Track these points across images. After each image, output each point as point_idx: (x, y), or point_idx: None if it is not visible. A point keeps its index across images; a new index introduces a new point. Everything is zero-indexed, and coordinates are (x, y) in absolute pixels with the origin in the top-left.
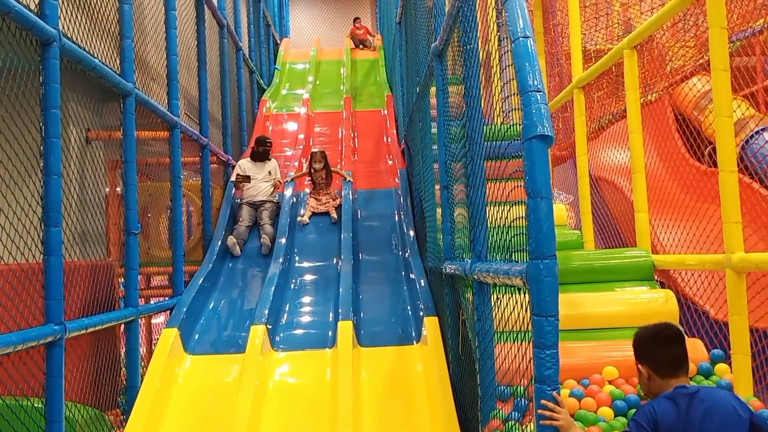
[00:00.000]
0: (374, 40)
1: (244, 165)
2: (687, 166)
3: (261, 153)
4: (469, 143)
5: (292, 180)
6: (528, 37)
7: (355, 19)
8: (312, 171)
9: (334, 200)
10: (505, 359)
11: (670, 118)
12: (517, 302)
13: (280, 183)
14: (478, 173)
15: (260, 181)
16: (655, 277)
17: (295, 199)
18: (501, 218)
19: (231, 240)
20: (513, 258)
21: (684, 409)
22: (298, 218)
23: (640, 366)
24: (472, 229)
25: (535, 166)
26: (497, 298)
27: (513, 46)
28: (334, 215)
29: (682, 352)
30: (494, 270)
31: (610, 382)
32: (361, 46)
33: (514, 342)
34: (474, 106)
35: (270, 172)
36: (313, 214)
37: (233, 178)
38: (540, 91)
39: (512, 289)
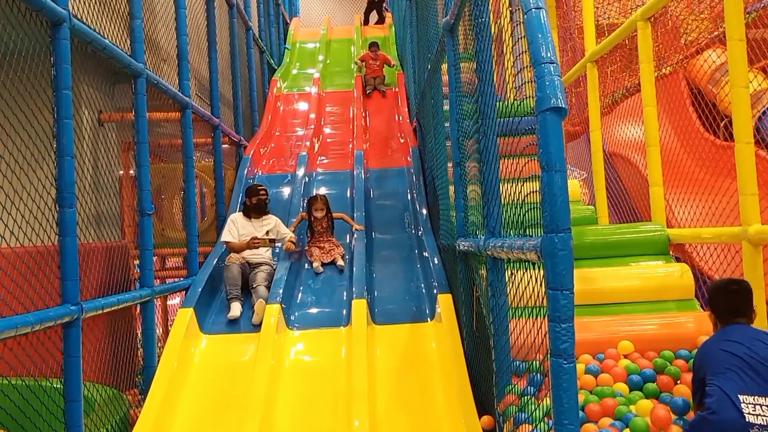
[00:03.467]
0: (395, 70)
1: (237, 222)
2: (702, 140)
3: (256, 206)
4: (481, 118)
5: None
6: (540, 8)
7: (371, 45)
8: (312, 219)
9: (338, 247)
10: (520, 334)
11: (685, 91)
12: (531, 277)
13: (293, 243)
14: (491, 148)
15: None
16: (671, 252)
17: None
18: (515, 194)
19: (232, 316)
20: (527, 233)
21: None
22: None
23: (708, 313)
24: (485, 205)
25: (549, 138)
26: (511, 274)
27: (525, 17)
28: (341, 262)
29: (742, 304)
30: (508, 245)
31: (625, 356)
32: (370, 89)
33: (528, 317)
34: (486, 81)
35: (268, 232)
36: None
37: (225, 237)
38: (553, 63)
39: (526, 264)
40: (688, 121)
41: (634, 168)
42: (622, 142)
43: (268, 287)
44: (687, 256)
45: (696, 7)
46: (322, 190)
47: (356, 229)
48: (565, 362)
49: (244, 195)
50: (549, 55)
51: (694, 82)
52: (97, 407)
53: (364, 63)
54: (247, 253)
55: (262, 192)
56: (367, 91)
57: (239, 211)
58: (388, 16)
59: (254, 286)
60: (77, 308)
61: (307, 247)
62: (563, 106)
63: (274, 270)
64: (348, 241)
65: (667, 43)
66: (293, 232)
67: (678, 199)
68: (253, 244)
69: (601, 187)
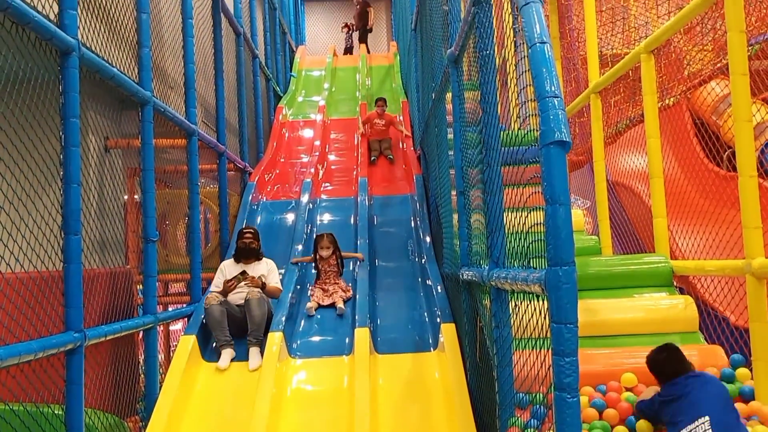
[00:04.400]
0: (401, 126)
1: (227, 269)
2: (706, 171)
3: (241, 251)
4: (485, 148)
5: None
6: (545, 42)
7: (378, 101)
8: (318, 258)
9: (345, 292)
10: (523, 366)
11: (689, 122)
12: (535, 309)
13: (278, 289)
14: (495, 179)
15: (251, 291)
16: (675, 284)
17: None
18: (519, 224)
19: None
20: (531, 264)
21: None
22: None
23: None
24: (489, 235)
25: (553, 171)
26: (515, 305)
27: (530, 51)
28: (341, 305)
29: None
30: (512, 277)
31: (627, 389)
32: (376, 155)
33: (532, 349)
34: (490, 112)
35: (261, 279)
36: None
37: (211, 288)
38: (557, 97)
39: (530, 295)
40: (692, 152)
41: (638, 197)
42: (625, 172)
43: (263, 320)
44: (691, 288)
45: (699, 40)
46: (326, 217)
47: (359, 260)
48: (569, 396)
49: (236, 238)
50: (553, 88)
51: (698, 113)
52: None
53: (367, 124)
54: (230, 297)
55: (248, 235)
56: (372, 158)
57: (231, 257)
58: (393, 45)
59: (250, 327)
60: (80, 335)
61: (310, 287)
62: (567, 139)
63: (266, 299)
64: (351, 268)
65: (671, 74)
66: (297, 263)
67: (681, 230)
68: (228, 287)
69: (604, 218)
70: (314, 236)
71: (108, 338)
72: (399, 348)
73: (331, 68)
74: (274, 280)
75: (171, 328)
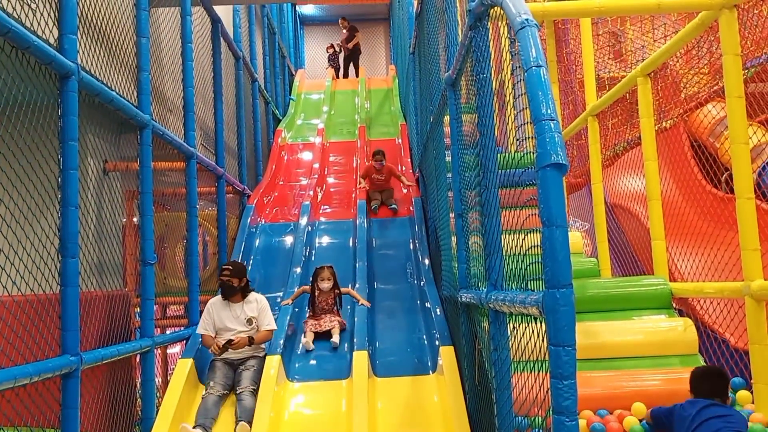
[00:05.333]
0: (404, 177)
1: (214, 308)
2: (704, 193)
3: (226, 289)
4: (483, 171)
5: (287, 305)
6: (541, 66)
7: (375, 154)
8: (316, 292)
9: (340, 322)
10: (522, 389)
11: (686, 144)
12: (533, 331)
13: (271, 332)
14: (492, 201)
15: (237, 333)
16: (674, 305)
17: None
18: (516, 246)
19: (185, 429)
20: (529, 287)
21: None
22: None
23: None
24: (487, 257)
25: (549, 194)
26: (513, 327)
27: (526, 75)
28: (336, 339)
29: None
30: (510, 299)
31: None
32: (377, 205)
33: (530, 372)
34: (488, 135)
35: (251, 320)
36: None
37: (198, 329)
38: (553, 120)
39: (528, 318)
40: (690, 174)
41: (636, 219)
42: (623, 194)
43: (256, 390)
44: (691, 310)
45: (696, 63)
46: (325, 240)
47: (362, 305)
48: (567, 420)
49: (219, 273)
50: (549, 111)
51: (695, 136)
52: None
53: (366, 179)
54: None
55: (225, 272)
56: (373, 207)
57: (219, 294)
58: (391, 68)
59: (239, 391)
60: (76, 359)
61: (305, 324)
62: (564, 162)
63: (264, 359)
64: (350, 308)
65: (668, 96)
66: (290, 304)
67: (680, 251)
68: (215, 351)
69: (603, 240)
70: (314, 268)
71: (105, 362)
72: (398, 371)
73: (330, 91)
74: (266, 321)
75: (169, 351)
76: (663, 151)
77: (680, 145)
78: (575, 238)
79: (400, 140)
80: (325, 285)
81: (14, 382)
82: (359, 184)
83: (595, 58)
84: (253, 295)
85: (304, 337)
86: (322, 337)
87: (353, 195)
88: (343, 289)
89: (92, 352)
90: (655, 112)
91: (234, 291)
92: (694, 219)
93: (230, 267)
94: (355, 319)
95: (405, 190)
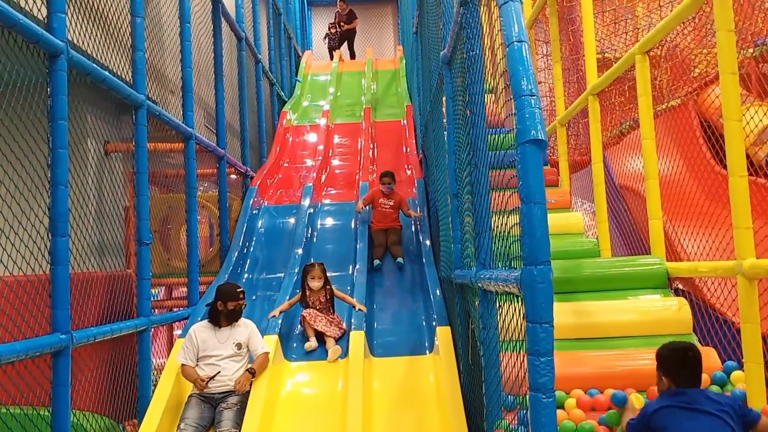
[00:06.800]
0: (413, 210)
1: (198, 334)
2: (713, 173)
3: (231, 314)
4: (472, 150)
5: (279, 315)
6: (522, 41)
7: (383, 176)
8: (307, 292)
9: (338, 326)
10: (512, 368)
11: (695, 123)
12: (516, 310)
13: (248, 380)
14: (482, 180)
15: (223, 358)
16: (679, 285)
17: None
18: (503, 225)
19: None
20: (513, 265)
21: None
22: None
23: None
24: (476, 236)
25: (528, 170)
26: (499, 306)
27: (507, 50)
28: (333, 356)
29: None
30: (494, 277)
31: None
32: (379, 262)
33: (512, 351)
34: (477, 113)
35: (240, 345)
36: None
37: (178, 357)
38: (533, 95)
39: (511, 296)
40: (699, 154)
41: (643, 201)
42: (632, 175)
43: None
44: (698, 291)
45: (704, 41)
46: (327, 221)
47: (359, 310)
48: (544, 397)
49: (215, 296)
50: (529, 87)
51: (705, 115)
52: None
53: (370, 204)
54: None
55: (242, 297)
56: (375, 263)
57: (204, 320)
58: (399, 49)
59: (218, 430)
60: (67, 337)
61: (301, 319)
62: (543, 138)
63: (248, 396)
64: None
65: (676, 75)
66: (279, 315)
67: (687, 233)
68: (200, 385)
69: (603, 220)
70: (303, 266)
71: (104, 340)
72: (395, 351)
73: (336, 73)
74: (259, 345)
75: (175, 332)
76: (672, 131)
77: (690, 124)
78: (576, 218)
79: (405, 122)
80: (316, 284)
81: (1, 359)
82: (359, 206)
83: (602, 36)
84: (242, 320)
85: (307, 337)
86: (321, 337)
87: (357, 177)
88: (337, 293)
89: (84, 331)
90: (661, 91)
91: (240, 314)
92: (701, 199)
93: (243, 289)
94: (354, 299)
95: (407, 149)
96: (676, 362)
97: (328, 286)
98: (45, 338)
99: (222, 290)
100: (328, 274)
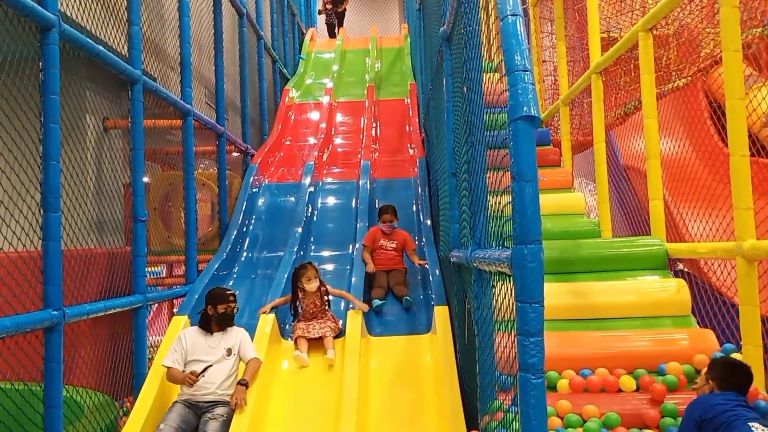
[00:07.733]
0: (418, 258)
1: (187, 338)
2: (720, 154)
3: (222, 318)
4: (469, 128)
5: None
6: (516, 15)
7: (383, 212)
8: (300, 295)
9: (333, 323)
10: (508, 349)
11: (703, 103)
12: (509, 290)
13: (245, 387)
14: (478, 159)
15: (212, 362)
16: (684, 268)
17: None
18: (498, 205)
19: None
20: (506, 245)
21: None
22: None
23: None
24: (472, 216)
25: (521, 148)
26: (493, 285)
27: (501, 24)
28: (331, 355)
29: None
30: (488, 257)
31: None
32: (380, 302)
33: (504, 331)
34: (475, 90)
35: (230, 350)
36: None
37: (165, 361)
38: (527, 71)
39: (504, 276)
40: (707, 135)
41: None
42: (637, 156)
43: None
44: (702, 273)
45: (715, 20)
46: (328, 200)
47: (360, 309)
48: (533, 377)
49: (205, 302)
50: (523, 62)
51: (713, 95)
52: (88, 412)
53: (368, 247)
54: (188, 391)
55: (232, 299)
56: (375, 305)
57: (194, 325)
58: (404, 27)
59: None
60: (59, 314)
61: (293, 327)
62: (535, 114)
63: (234, 410)
64: (348, 268)
65: (684, 55)
66: (270, 312)
67: (694, 214)
68: (189, 380)
69: (604, 200)
70: (294, 267)
71: (103, 316)
72: (393, 330)
73: (340, 50)
74: (250, 351)
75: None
76: (679, 111)
77: (697, 104)
78: (577, 199)
79: (408, 100)
80: (312, 285)
81: None
82: (368, 268)
83: (607, 15)
84: (235, 327)
85: (296, 348)
86: (315, 345)
87: (359, 155)
88: (334, 291)
89: (76, 307)
90: (669, 71)
91: (232, 320)
92: (708, 180)
93: (234, 293)
94: (353, 279)
95: (410, 127)
96: (733, 373)
97: (322, 287)
98: (36, 314)
99: (211, 294)
100: (328, 253)
